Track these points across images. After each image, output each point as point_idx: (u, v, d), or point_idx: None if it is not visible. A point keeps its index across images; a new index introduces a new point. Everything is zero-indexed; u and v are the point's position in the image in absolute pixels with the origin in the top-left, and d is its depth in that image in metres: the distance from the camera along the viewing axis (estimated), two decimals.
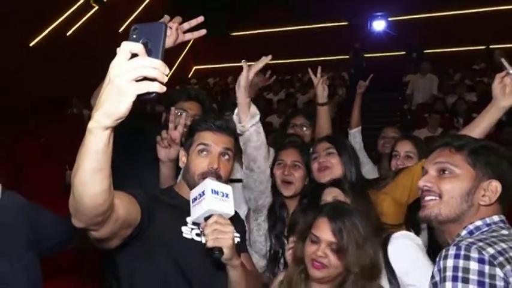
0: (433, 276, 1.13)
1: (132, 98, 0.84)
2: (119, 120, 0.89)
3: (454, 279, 1.05)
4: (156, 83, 0.84)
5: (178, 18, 1.65)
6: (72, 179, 0.98)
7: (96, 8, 9.92)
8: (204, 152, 1.52)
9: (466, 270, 1.05)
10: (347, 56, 11.54)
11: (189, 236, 1.46)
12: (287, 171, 2.02)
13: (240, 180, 2.31)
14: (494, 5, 11.23)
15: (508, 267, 1.05)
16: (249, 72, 1.79)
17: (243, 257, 1.53)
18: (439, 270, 1.10)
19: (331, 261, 1.44)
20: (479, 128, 1.73)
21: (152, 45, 0.88)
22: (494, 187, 1.23)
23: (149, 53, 0.87)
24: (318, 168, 1.98)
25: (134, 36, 0.90)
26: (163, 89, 0.85)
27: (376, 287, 1.49)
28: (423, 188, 1.31)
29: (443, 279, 1.07)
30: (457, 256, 1.08)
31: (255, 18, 13.27)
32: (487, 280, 1.03)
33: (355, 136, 3.17)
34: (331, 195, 1.76)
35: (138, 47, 0.85)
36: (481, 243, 1.10)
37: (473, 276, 1.04)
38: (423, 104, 7.89)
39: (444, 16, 11.74)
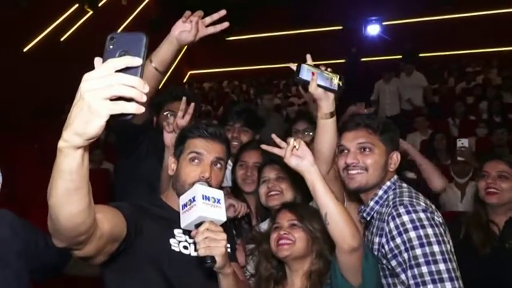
0: (390, 231, 1.45)
1: (104, 118, 0.74)
2: (92, 140, 0.79)
3: (415, 228, 1.41)
4: (133, 104, 0.74)
5: (199, 12, 1.64)
6: (48, 199, 0.90)
7: (90, 13, 9.86)
8: (196, 161, 1.48)
9: (420, 219, 1.43)
10: (342, 60, 11.55)
11: (177, 249, 1.41)
12: (249, 172, 2.09)
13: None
14: (487, 9, 11.31)
15: (433, 212, 1.49)
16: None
17: (234, 266, 1.48)
18: (396, 226, 1.44)
19: (295, 236, 1.59)
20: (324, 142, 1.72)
21: None
22: (396, 157, 1.64)
23: (127, 68, 0.77)
24: None
25: (111, 46, 0.79)
26: (141, 110, 0.75)
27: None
28: (351, 164, 1.59)
29: (405, 231, 1.42)
30: (408, 212, 1.45)
31: (250, 23, 13.27)
32: (432, 222, 1.44)
33: None
34: (272, 172, 1.95)
35: (125, 61, 0.75)
36: (413, 200, 1.50)
37: (426, 222, 1.43)
38: (416, 108, 7.74)
39: (438, 20, 11.80)
